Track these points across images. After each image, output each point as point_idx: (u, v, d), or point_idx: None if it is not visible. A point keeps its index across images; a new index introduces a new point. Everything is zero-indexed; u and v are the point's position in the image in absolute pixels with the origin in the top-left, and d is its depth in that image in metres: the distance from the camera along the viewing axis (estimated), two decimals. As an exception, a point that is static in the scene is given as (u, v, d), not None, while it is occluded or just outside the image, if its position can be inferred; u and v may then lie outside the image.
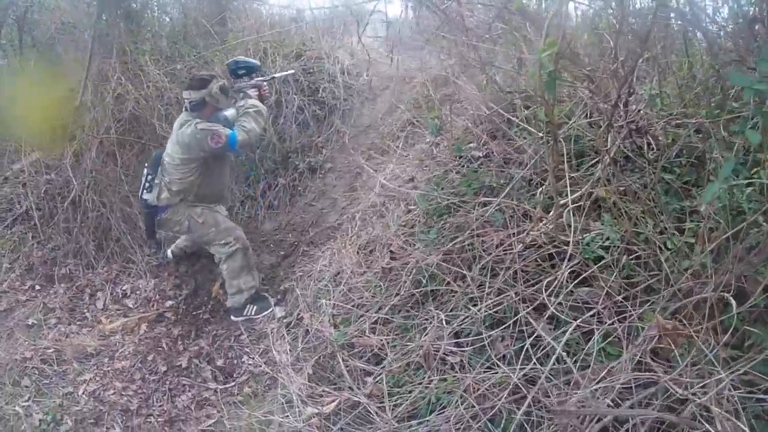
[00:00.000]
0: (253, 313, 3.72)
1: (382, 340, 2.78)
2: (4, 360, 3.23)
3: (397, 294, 2.95)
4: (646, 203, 2.36)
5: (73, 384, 3.23)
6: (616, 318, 2.13)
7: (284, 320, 3.59)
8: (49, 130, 4.27)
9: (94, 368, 3.38)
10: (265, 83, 3.86)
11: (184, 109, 3.60)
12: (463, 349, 2.47)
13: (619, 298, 2.21)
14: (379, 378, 2.57)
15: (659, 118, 2.65)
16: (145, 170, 3.66)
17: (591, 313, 2.24)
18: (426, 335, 2.52)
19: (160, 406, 3.18)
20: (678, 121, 2.61)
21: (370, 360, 2.79)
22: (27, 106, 4.14)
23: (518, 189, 2.86)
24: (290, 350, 3.04)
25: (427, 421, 2.26)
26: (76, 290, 3.96)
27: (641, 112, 2.68)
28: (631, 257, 2.31)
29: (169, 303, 3.99)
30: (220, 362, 3.49)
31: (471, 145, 3.50)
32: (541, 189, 2.71)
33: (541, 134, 2.68)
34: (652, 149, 2.60)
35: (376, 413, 2.40)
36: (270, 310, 3.69)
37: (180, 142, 3.52)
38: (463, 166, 3.39)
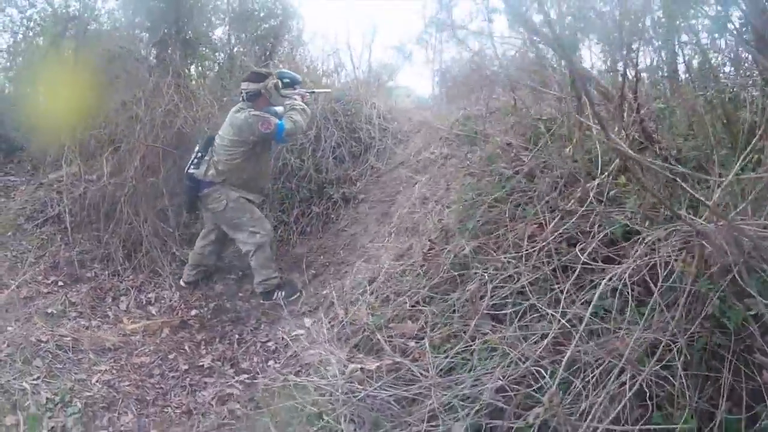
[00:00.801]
0: (282, 297, 3.82)
1: (420, 322, 2.57)
2: (18, 339, 3.00)
3: (438, 276, 2.78)
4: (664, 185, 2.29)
5: (87, 372, 2.97)
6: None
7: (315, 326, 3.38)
8: (95, 140, 4.34)
9: (111, 361, 3.13)
10: (306, 93, 4.15)
11: (241, 99, 3.84)
12: (503, 311, 2.30)
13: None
14: (421, 344, 2.35)
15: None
16: (197, 148, 3.87)
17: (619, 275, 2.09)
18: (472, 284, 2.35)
19: (178, 399, 2.90)
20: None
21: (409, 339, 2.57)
22: (77, 116, 4.25)
23: (549, 193, 2.80)
24: (327, 332, 2.81)
25: (470, 375, 2.03)
26: (100, 291, 3.79)
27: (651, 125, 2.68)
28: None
29: (194, 312, 3.81)
30: (245, 365, 3.23)
31: (502, 165, 3.48)
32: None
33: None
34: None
35: (420, 373, 2.16)
36: (297, 294, 3.85)
37: (233, 125, 3.74)
38: (494, 177, 3.35)
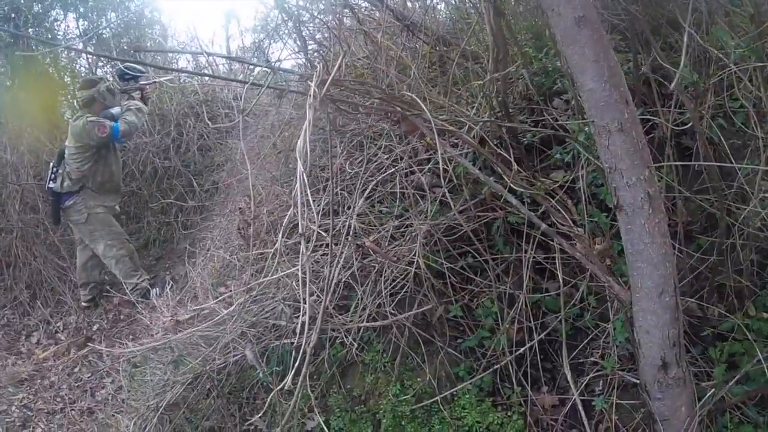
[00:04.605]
0: (158, 294, 4.20)
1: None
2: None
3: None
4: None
5: (8, 403, 3.64)
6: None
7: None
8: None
9: (27, 388, 3.80)
10: (147, 86, 4.55)
11: (78, 107, 4.30)
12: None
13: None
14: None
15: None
16: (51, 163, 4.29)
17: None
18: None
19: (81, 403, 3.58)
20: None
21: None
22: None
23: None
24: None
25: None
26: (13, 333, 4.41)
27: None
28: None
29: (96, 327, 4.44)
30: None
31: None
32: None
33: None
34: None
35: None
36: (169, 284, 4.20)
37: (73, 133, 4.13)
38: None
